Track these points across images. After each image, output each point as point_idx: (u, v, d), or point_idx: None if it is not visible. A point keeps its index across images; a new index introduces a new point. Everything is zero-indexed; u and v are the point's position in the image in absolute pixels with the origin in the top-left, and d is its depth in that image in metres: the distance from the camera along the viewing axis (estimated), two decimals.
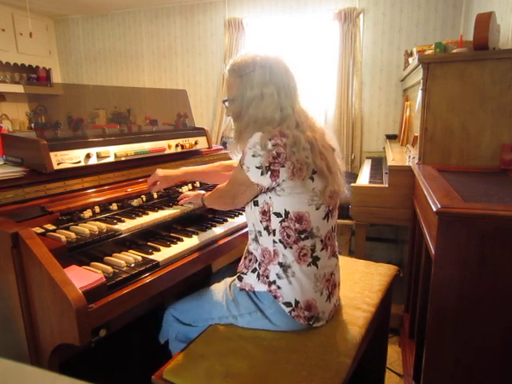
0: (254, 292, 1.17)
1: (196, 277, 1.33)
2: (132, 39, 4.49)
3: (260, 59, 1.12)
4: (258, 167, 1.07)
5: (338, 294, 1.28)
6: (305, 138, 1.09)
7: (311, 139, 1.10)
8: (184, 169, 1.56)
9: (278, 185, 1.08)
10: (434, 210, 1.12)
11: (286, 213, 1.11)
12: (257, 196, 1.15)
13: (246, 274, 1.20)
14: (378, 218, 2.10)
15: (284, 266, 1.13)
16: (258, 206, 1.16)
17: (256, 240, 1.18)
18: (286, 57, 1.17)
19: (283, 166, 1.05)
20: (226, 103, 1.22)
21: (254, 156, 1.07)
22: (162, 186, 1.53)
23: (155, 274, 1.11)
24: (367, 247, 2.75)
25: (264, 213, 1.14)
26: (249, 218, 1.21)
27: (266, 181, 1.08)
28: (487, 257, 1.10)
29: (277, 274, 1.13)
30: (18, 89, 4.17)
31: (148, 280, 1.07)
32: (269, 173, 1.06)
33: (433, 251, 1.18)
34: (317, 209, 1.12)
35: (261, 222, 1.15)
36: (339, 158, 1.21)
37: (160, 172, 1.49)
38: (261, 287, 1.15)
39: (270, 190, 1.11)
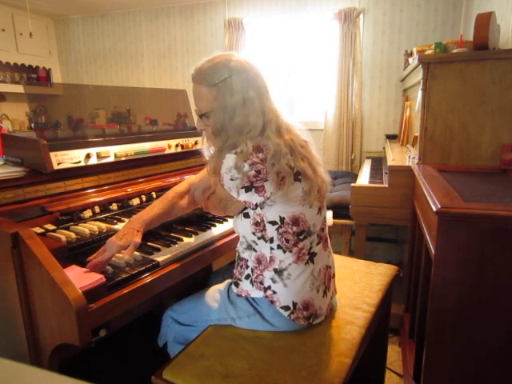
0: (251, 297, 1.16)
1: (196, 277, 1.33)
2: (132, 39, 4.49)
3: (233, 64, 1.04)
4: (239, 187, 1.03)
5: (334, 286, 1.26)
6: (284, 143, 1.05)
7: (289, 142, 1.06)
8: (142, 222, 1.17)
9: (268, 198, 1.04)
10: (434, 209, 1.12)
11: (282, 219, 1.08)
12: (246, 208, 1.11)
13: (241, 280, 1.18)
14: (377, 217, 2.10)
15: (279, 271, 1.11)
16: (248, 218, 1.11)
17: (250, 248, 1.15)
18: (252, 59, 1.10)
19: (266, 181, 1.01)
20: (204, 118, 1.09)
21: (232, 180, 1.02)
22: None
23: (155, 274, 1.11)
24: (367, 247, 2.74)
25: (257, 224, 1.10)
26: (238, 228, 1.18)
27: (253, 198, 1.04)
28: (487, 257, 1.10)
29: (271, 279, 1.11)
30: (18, 89, 4.17)
31: (148, 280, 1.07)
32: (253, 189, 1.02)
33: (433, 251, 1.18)
34: (310, 207, 1.11)
35: (254, 233, 1.11)
36: (313, 149, 1.16)
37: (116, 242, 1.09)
38: (257, 293, 1.14)
39: (260, 205, 1.06)
